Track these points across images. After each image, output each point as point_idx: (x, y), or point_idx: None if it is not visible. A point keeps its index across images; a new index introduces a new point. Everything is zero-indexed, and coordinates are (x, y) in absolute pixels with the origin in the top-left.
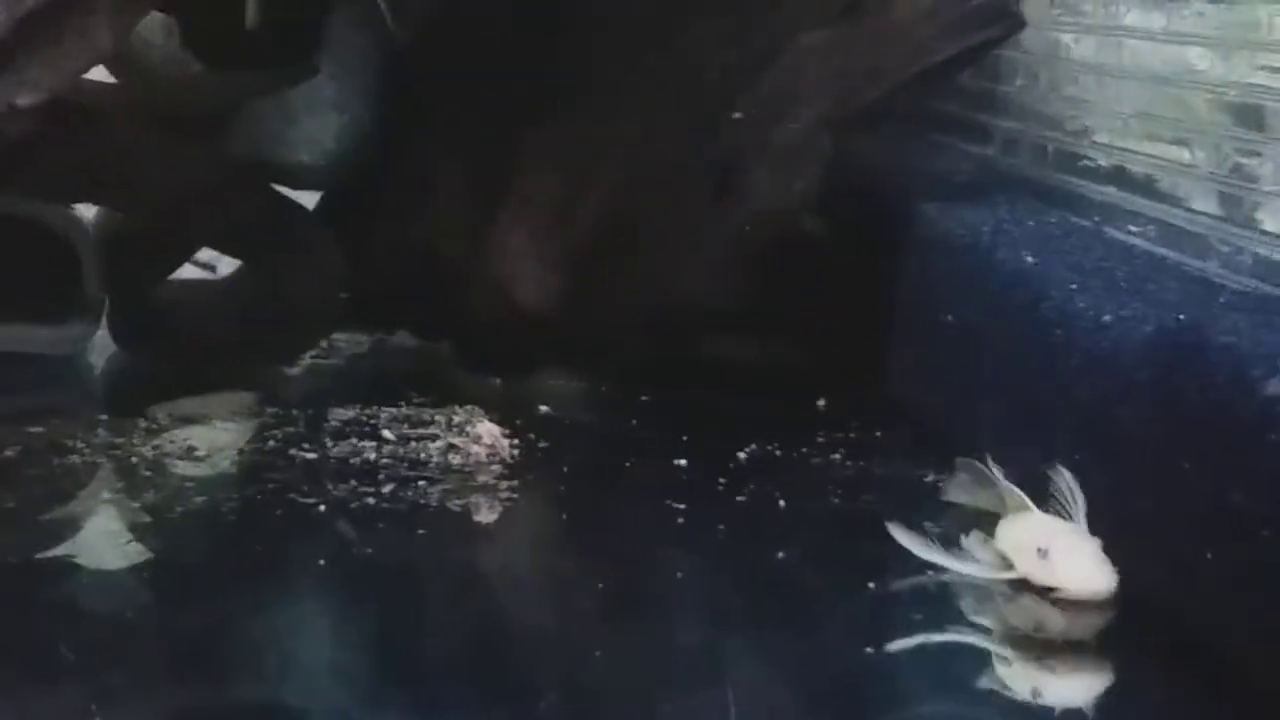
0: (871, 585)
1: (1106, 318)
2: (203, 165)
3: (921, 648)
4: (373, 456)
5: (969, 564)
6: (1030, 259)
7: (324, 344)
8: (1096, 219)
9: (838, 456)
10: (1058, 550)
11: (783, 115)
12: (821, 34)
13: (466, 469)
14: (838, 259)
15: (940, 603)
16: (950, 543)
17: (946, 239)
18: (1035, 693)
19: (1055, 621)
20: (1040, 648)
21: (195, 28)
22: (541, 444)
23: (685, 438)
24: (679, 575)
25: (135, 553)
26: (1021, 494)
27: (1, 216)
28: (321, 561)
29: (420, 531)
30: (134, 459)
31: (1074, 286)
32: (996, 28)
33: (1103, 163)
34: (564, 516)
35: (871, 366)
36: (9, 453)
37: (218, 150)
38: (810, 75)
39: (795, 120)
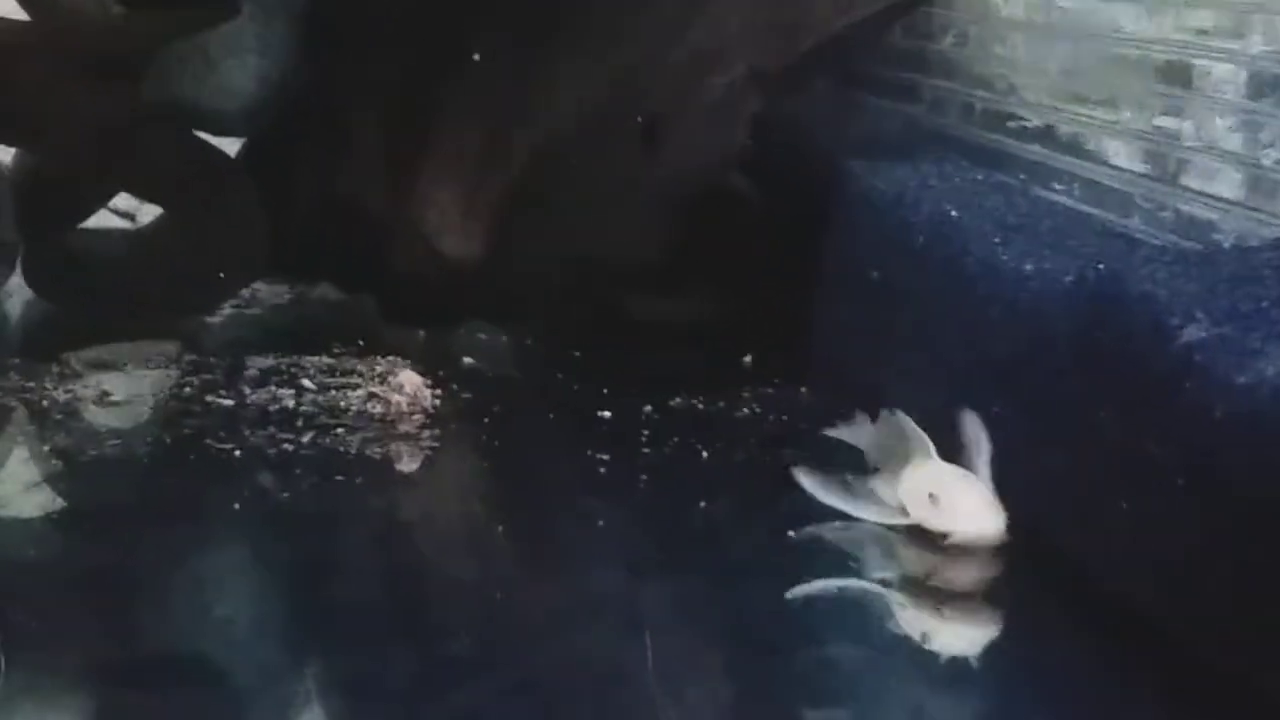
0: (791, 534)
1: (1028, 268)
2: (120, 108)
3: (820, 594)
4: (291, 404)
5: (869, 510)
6: (954, 214)
7: (245, 294)
8: (1023, 177)
9: (760, 410)
10: (947, 495)
11: (708, 69)
12: None
13: (388, 418)
14: (763, 215)
15: (843, 550)
16: (856, 490)
17: (871, 196)
18: (925, 638)
19: (947, 567)
20: (933, 594)
21: None
22: (464, 395)
23: (607, 390)
24: (599, 524)
25: (48, 497)
26: (928, 442)
27: None
28: (236, 506)
29: (338, 478)
30: (46, 403)
31: (997, 241)
32: None
33: (1030, 121)
34: (485, 465)
35: (796, 322)
36: None
37: (135, 93)
38: (736, 28)
39: (721, 74)
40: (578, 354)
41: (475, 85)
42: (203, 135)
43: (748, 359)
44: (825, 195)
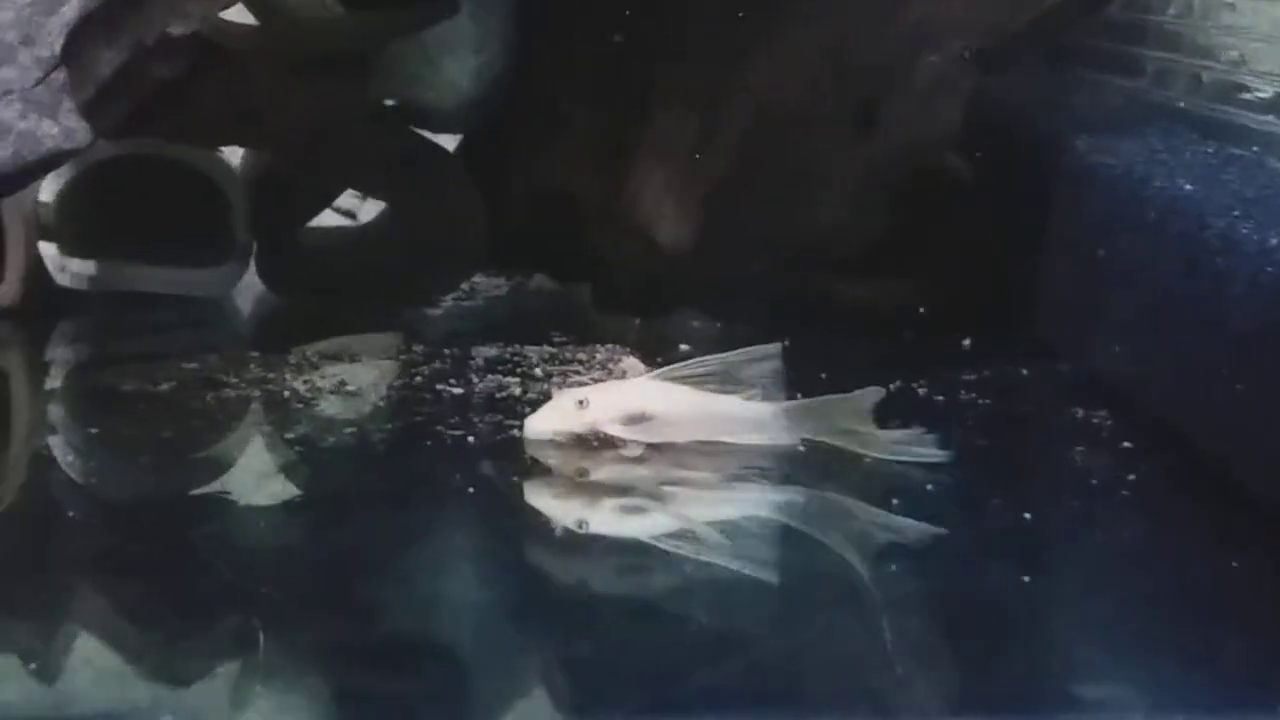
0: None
1: (1273, 242)
2: (345, 107)
3: None
4: (519, 391)
5: None
6: (1188, 188)
7: (464, 286)
8: (1256, 149)
9: (981, 393)
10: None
11: (923, 47)
12: None
13: None
14: (981, 194)
15: None
16: None
17: (1096, 172)
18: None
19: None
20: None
21: None
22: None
23: (825, 375)
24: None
25: (286, 485)
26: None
27: (151, 160)
28: (471, 490)
29: None
30: (286, 393)
31: (1236, 214)
32: None
33: (1263, 92)
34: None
35: (1018, 303)
36: (164, 386)
37: (359, 92)
38: (953, 5)
39: (936, 52)
40: (793, 340)
41: (686, 73)
42: (422, 132)
43: (966, 341)
44: (1046, 172)
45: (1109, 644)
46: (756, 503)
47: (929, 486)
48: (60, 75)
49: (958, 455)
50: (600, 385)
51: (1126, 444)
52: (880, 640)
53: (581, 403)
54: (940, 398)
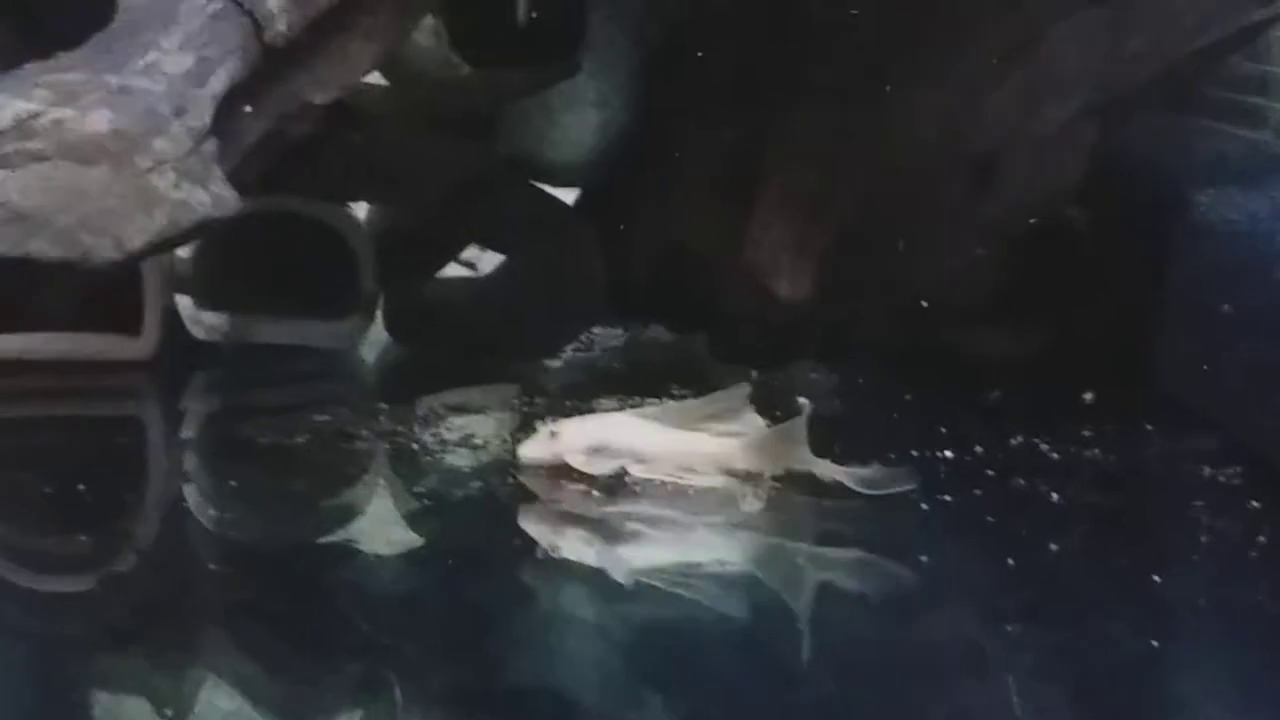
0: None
1: None
2: (471, 163)
3: None
4: None
5: None
6: None
7: (581, 337)
8: None
9: (1104, 449)
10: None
11: (1043, 103)
12: (1084, 18)
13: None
14: (1102, 248)
15: None
16: None
17: (1219, 225)
18: None
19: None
20: None
21: (462, 30)
22: None
23: (944, 429)
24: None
25: (411, 535)
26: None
27: (282, 215)
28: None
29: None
30: (414, 446)
31: None
32: (1272, 7)
33: None
34: (825, 505)
35: (1140, 357)
36: (298, 439)
37: (484, 148)
38: (1072, 61)
39: (1057, 108)
40: (912, 392)
41: (805, 127)
42: (543, 185)
43: (1089, 395)
44: (1168, 225)
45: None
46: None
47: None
48: (210, 145)
49: (1074, 512)
50: (578, 418)
51: (1255, 503)
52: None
53: (553, 433)
54: (1058, 454)
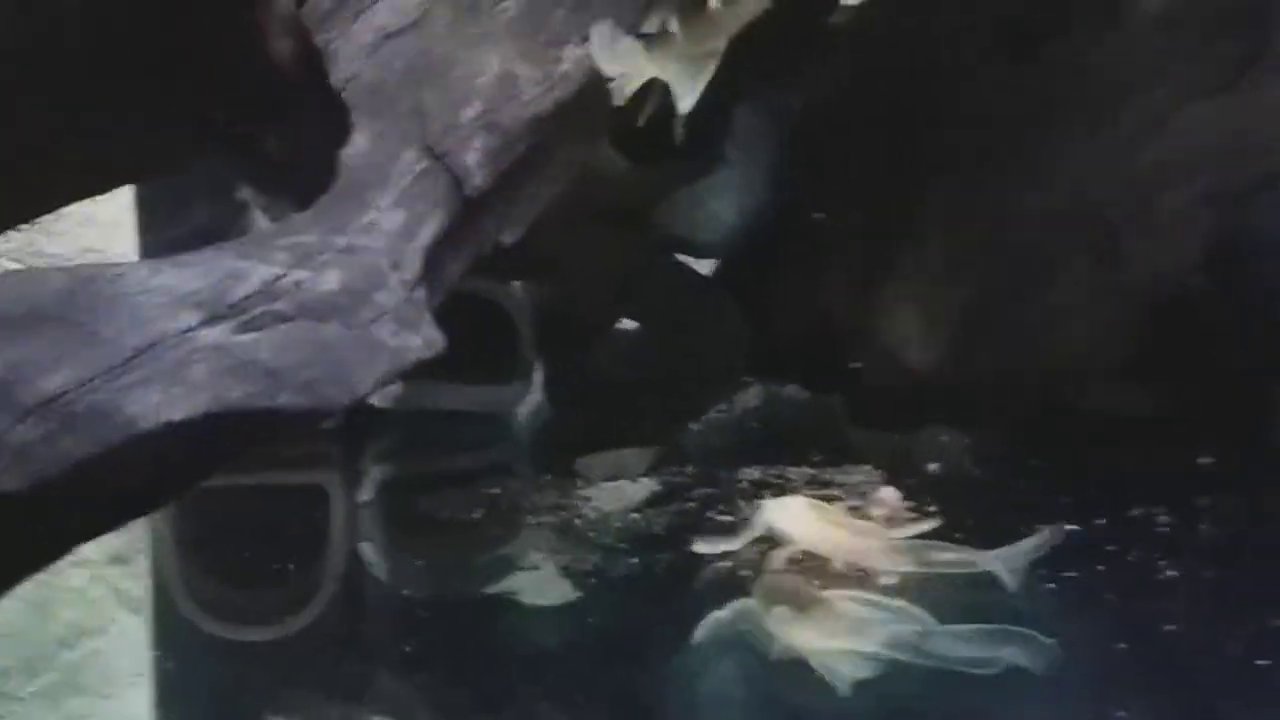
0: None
1: None
2: (627, 246)
3: None
4: None
5: None
6: None
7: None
8: None
9: (1222, 522)
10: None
11: (1164, 187)
12: (1207, 105)
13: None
14: (1224, 314)
15: None
16: None
17: None
18: None
19: None
20: None
21: (621, 129)
22: (929, 507)
23: (1069, 499)
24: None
25: (577, 601)
26: None
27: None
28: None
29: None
30: (576, 519)
31: None
32: None
33: None
34: None
35: (1263, 425)
36: (475, 515)
37: (637, 236)
38: (1193, 148)
39: (1179, 190)
40: (1038, 460)
41: (937, 204)
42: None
43: (1206, 460)
44: None
45: None
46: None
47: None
48: (420, 292)
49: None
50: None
51: None
52: None
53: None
54: (1176, 524)
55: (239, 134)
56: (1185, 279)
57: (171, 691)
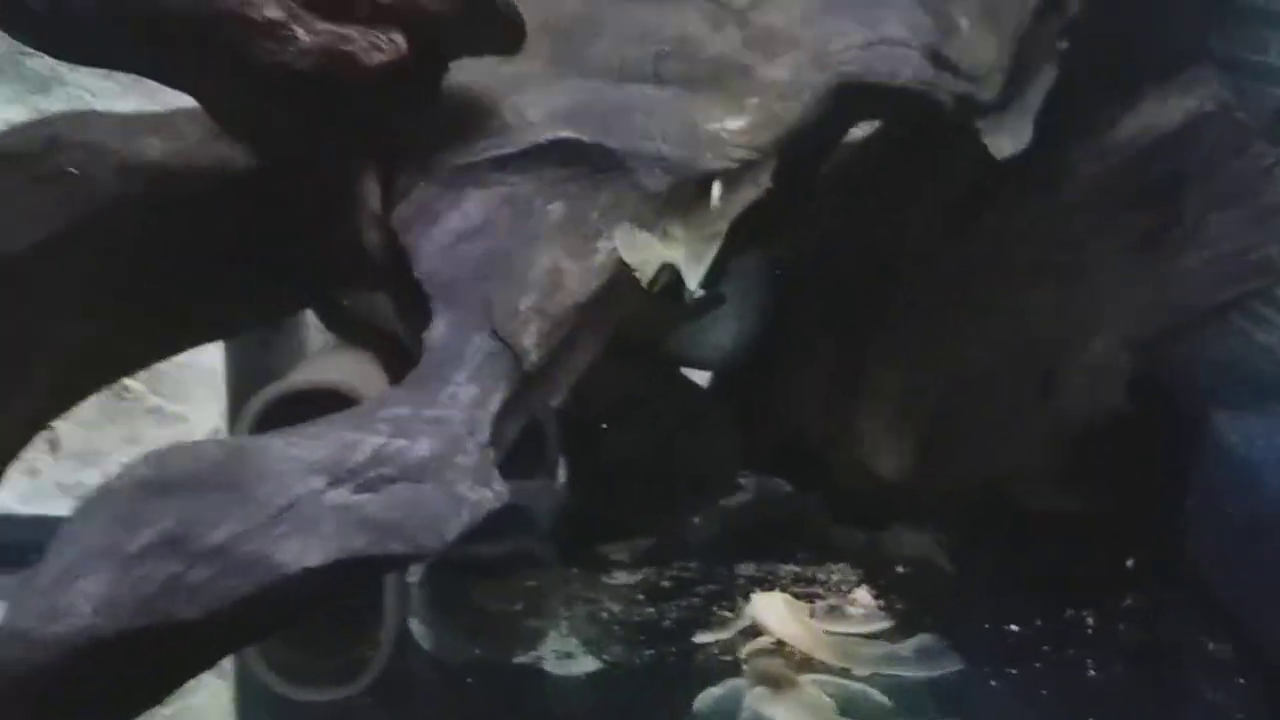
0: None
1: None
2: (638, 373)
3: None
4: None
5: None
6: None
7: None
8: None
9: (1139, 623)
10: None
11: (1093, 332)
12: (1129, 265)
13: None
14: (1146, 434)
15: None
16: None
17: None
18: None
19: None
20: None
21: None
22: (899, 605)
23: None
24: None
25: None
26: None
27: None
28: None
29: None
30: (603, 613)
31: None
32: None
33: None
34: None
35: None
36: (494, 609)
37: (645, 367)
38: (1116, 300)
39: (1101, 336)
40: (990, 552)
41: (899, 339)
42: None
43: (1130, 561)
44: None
45: None
46: None
47: None
48: (490, 453)
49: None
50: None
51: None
52: None
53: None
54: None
55: (328, 297)
56: (1111, 407)
57: None
